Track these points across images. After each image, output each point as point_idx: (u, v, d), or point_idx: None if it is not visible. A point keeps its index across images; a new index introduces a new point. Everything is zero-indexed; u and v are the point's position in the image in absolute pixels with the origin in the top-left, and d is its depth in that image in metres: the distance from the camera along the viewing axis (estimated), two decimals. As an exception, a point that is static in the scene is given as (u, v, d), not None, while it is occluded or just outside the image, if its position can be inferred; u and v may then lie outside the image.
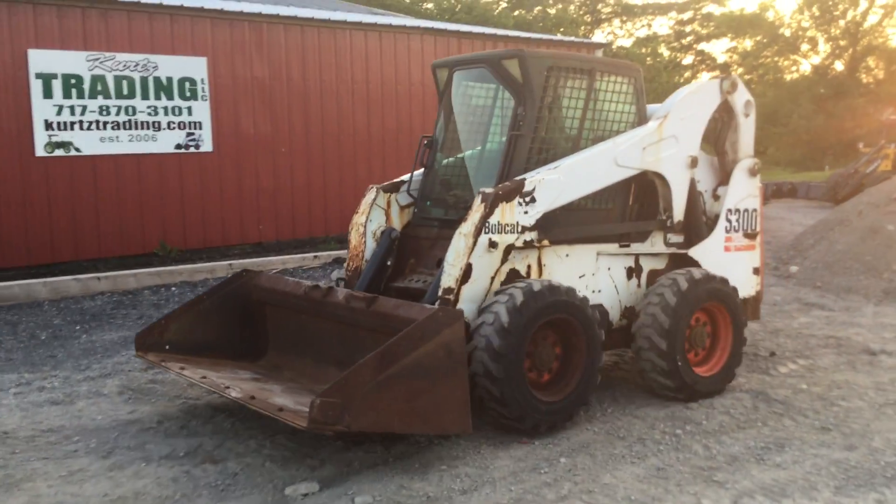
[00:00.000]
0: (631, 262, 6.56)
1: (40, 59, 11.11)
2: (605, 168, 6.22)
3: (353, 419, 4.65)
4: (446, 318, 5.04)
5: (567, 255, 6.20)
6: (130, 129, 11.86)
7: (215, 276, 11.11)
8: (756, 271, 7.13)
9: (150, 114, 12.03)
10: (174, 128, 12.27)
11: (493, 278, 5.76)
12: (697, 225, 6.76)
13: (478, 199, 5.72)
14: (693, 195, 6.70)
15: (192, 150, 12.48)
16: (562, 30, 39.82)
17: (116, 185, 11.82)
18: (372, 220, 6.68)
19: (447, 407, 5.04)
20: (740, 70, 46.66)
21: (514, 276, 5.92)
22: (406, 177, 6.88)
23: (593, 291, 6.33)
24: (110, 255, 11.66)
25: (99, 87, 11.58)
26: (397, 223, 6.81)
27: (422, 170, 6.88)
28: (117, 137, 11.75)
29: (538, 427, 5.52)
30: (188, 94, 12.41)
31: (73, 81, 11.37)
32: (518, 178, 5.87)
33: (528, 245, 5.89)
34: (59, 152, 11.31)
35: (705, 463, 5.10)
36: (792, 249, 12.21)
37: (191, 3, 12.63)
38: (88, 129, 11.50)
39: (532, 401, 5.46)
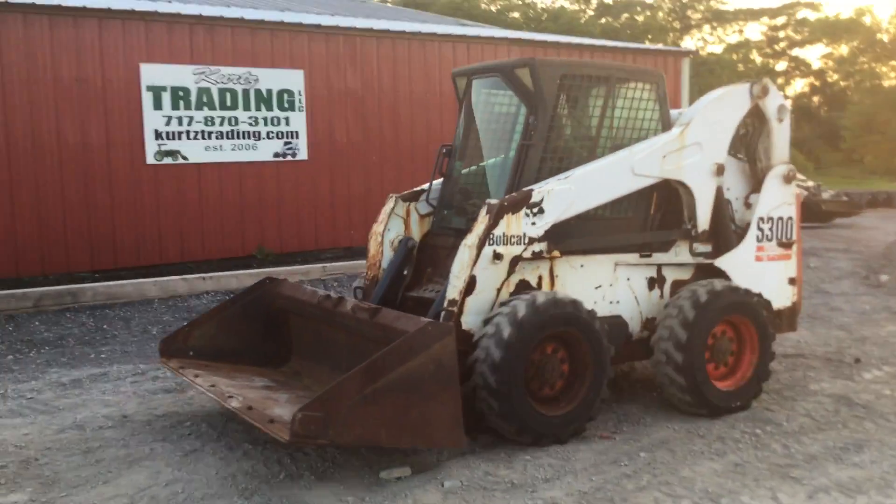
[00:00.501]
0: (653, 273, 6.40)
1: (151, 73, 11.86)
2: (622, 177, 6.10)
3: (337, 433, 4.68)
4: (436, 332, 4.99)
5: (582, 266, 6.11)
6: (233, 138, 12.55)
7: (309, 277, 11.64)
8: (792, 281, 6.85)
9: (251, 124, 12.70)
10: (273, 137, 12.92)
11: (499, 290, 5.71)
12: (726, 234, 6.54)
13: (483, 211, 5.69)
14: (720, 203, 6.50)
15: (288, 158, 13.10)
16: (649, 37, 39.55)
17: (219, 191, 12.50)
18: (390, 229, 6.72)
19: (438, 421, 5.00)
20: (836, 76, 45.47)
21: (523, 286, 5.85)
22: (426, 185, 6.89)
23: (611, 302, 6.21)
24: (213, 258, 12.35)
25: (204, 99, 12.29)
26: (416, 232, 6.81)
27: (441, 179, 6.89)
28: (221, 146, 12.45)
29: (539, 441, 5.48)
30: (286, 105, 13.04)
31: (180, 93, 12.10)
32: (526, 188, 5.81)
33: (536, 256, 5.83)
34: (167, 160, 12.05)
35: (783, 461, 5.26)
36: (883, 259, 12.07)
37: (290, 18, 13.28)
38: (195, 138, 12.22)
39: (533, 414, 5.43)
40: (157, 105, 11.95)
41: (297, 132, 13.15)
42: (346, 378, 4.79)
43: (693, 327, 5.92)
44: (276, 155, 12.97)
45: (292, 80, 13.09)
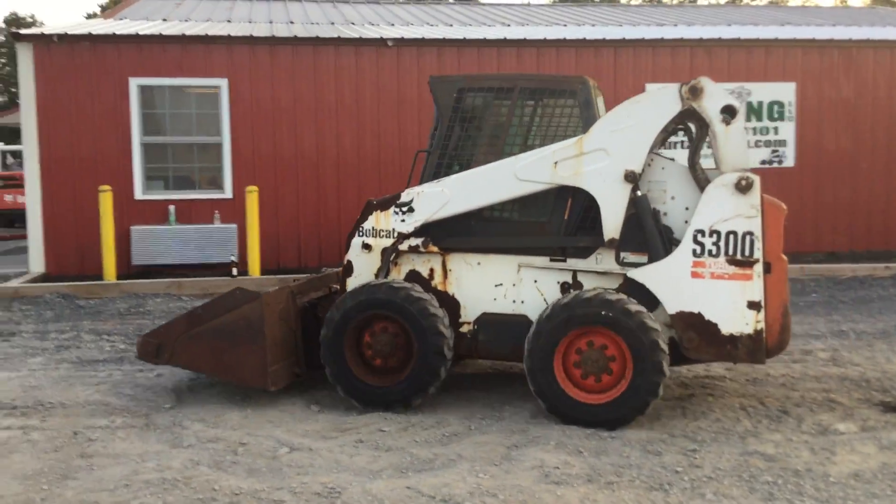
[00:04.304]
0: (567, 278, 6.35)
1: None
2: (503, 182, 6.30)
3: (169, 358, 6.66)
4: (244, 296, 6.46)
5: (479, 264, 6.50)
6: (722, 147, 13.98)
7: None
8: (753, 306, 5.86)
9: (740, 134, 13.99)
10: (760, 146, 14.04)
11: (376, 275, 6.61)
12: (653, 245, 6.07)
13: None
14: (642, 212, 6.08)
15: (774, 165, 14.10)
16: None
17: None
18: None
19: (247, 365, 6.43)
20: None
21: (414, 276, 6.62)
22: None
23: (514, 301, 6.42)
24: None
25: (699, 113, 13.90)
26: None
27: None
28: (710, 155, 13.91)
29: (362, 400, 6.39)
30: (776, 115, 14.05)
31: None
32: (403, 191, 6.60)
33: (413, 250, 6.55)
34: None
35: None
36: None
37: (785, 35, 14.26)
38: (686, 147, 13.89)
39: (357, 382, 6.40)
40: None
41: (784, 140, 14.09)
42: (175, 319, 6.82)
43: (538, 337, 5.96)
44: (763, 162, 14.06)
45: (783, 92, 14.05)
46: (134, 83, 12.80)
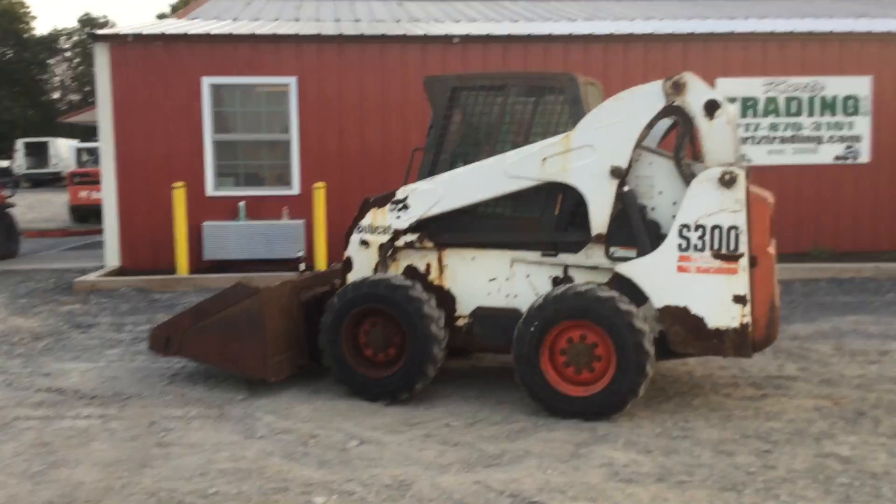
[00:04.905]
0: (558, 272, 6.45)
1: (725, 86, 13.55)
2: (494, 179, 6.41)
3: (179, 350, 7.05)
4: (245, 291, 6.77)
5: (473, 259, 6.64)
6: (795, 143, 13.68)
7: (862, 275, 12.24)
8: (739, 300, 5.88)
9: (813, 129, 13.67)
10: (834, 141, 13.70)
11: (375, 270, 6.77)
12: (640, 240, 6.10)
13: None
14: (630, 207, 6.13)
15: (849, 161, 13.74)
16: None
17: (778, 192, 13.64)
18: None
19: (249, 356, 6.71)
20: None
21: (411, 272, 6.77)
22: None
23: (507, 296, 6.55)
24: (768, 251, 13.62)
25: (771, 108, 13.62)
26: None
27: None
28: (782, 150, 13.68)
29: (361, 392, 6.58)
30: (850, 110, 13.69)
31: (749, 103, 13.61)
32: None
33: (409, 245, 6.71)
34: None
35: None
36: None
37: (860, 28, 13.88)
38: (759, 143, 13.64)
39: (351, 372, 6.59)
40: (728, 114, 13.61)
41: (859, 136, 13.71)
42: (183, 313, 7.25)
43: (527, 326, 6.08)
44: (837, 158, 13.71)
45: (858, 86, 13.67)
46: (206, 82, 13.07)
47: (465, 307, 6.67)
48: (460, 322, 6.68)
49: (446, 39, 13.40)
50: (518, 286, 6.55)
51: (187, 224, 12.43)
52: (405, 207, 6.70)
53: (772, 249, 6.01)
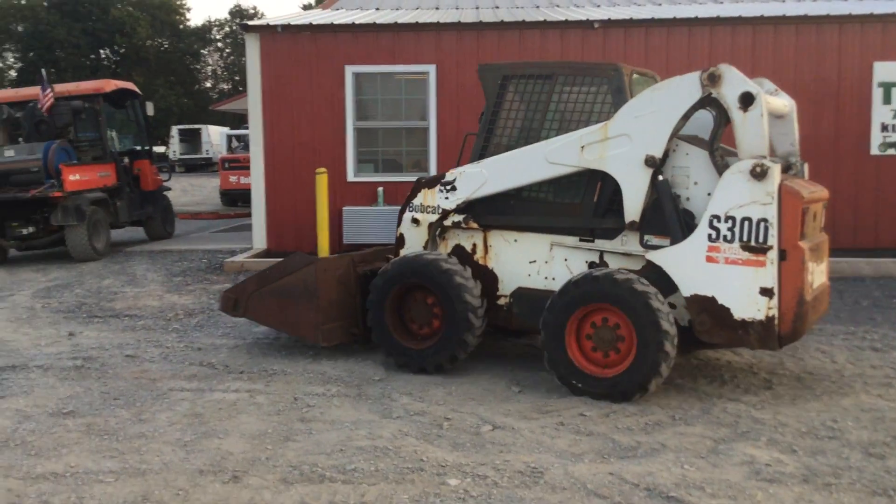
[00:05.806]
0: (594, 258, 6.65)
1: (884, 70, 12.78)
2: (536, 164, 6.64)
3: (245, 312, 7.62)
4: (302, 260, 7.28)
5: (516, 241, 6.92)
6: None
7: None
8: (766, 292, 5.85)
9: (983, 116, 12.70)
10: None
11: (424, 247, 7.18)
12: (673, 229, 6.19)
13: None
14: (664, 196, 6.22)
15: None
16: None
17: (942, 181, 12.85)
18: None
19: (304, 321, 7.24)
20: None
21: (458, 251, 7.15)
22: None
23: (545, 278, 6.81)
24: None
25: (935, 93, 12.76)
26: None
27: None
28: (948, 138, 12.78)
29: (401, 363, 7.03)
30: None
31: (910, 88, 12.79)
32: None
33: (456, 225, 7.06)
34: (890, 151, 12.88)
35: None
36: None
37: None
38: None
39: (395, 342, 7.04)
40: (886, 100, 12.83)
41: None
42: (249, 278, 7.74)
43: (551, 312, 6.29)
44: None
45: None
46: (349, 70, 13.41)
47: (506, 287, 6.99)
48: (502, 301, 7.02)
49: (587, 24, 13.22)
50: (556, 269, 6.80)
51: (329, 209, 12.81)
52: (453, 189, 7.04)
53: (804, 244, 5.93)
